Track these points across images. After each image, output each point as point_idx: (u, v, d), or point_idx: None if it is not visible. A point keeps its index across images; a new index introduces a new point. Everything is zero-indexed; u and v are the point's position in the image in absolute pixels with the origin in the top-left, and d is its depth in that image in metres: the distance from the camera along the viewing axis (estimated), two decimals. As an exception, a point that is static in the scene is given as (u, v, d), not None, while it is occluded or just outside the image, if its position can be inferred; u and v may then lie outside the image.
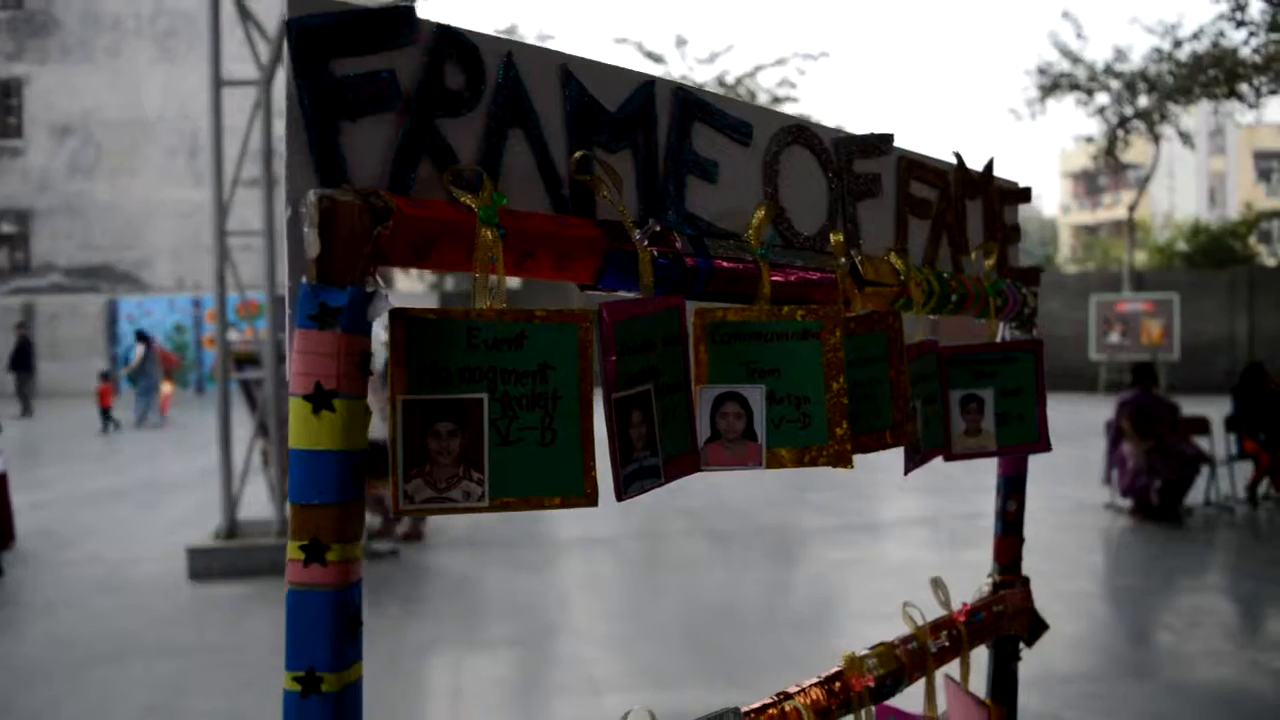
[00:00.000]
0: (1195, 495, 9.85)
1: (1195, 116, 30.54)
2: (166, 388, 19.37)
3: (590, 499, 0.66)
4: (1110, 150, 23.27)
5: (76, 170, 26.70)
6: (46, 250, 26.27)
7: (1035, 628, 1.16)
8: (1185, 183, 46.88)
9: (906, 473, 0.90)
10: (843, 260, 0.89)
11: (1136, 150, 27.28)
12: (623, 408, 0.71)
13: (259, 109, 7.98)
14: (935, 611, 1.03)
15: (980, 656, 1.11)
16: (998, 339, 1.10)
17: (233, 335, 8.57)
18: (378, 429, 6.89)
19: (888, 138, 1.01)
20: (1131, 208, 23.70)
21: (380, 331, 0.60)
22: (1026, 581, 1.15)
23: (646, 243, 0.71)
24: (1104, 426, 10.31)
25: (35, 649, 6.36)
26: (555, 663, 6.03)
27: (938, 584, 1.03)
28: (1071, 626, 6.58)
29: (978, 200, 1.13)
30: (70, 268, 26.14)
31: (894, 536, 9.19)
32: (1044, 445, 1.08)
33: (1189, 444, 9.89)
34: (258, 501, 8.70)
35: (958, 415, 1.03)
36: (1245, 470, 10.44)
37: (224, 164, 7.96)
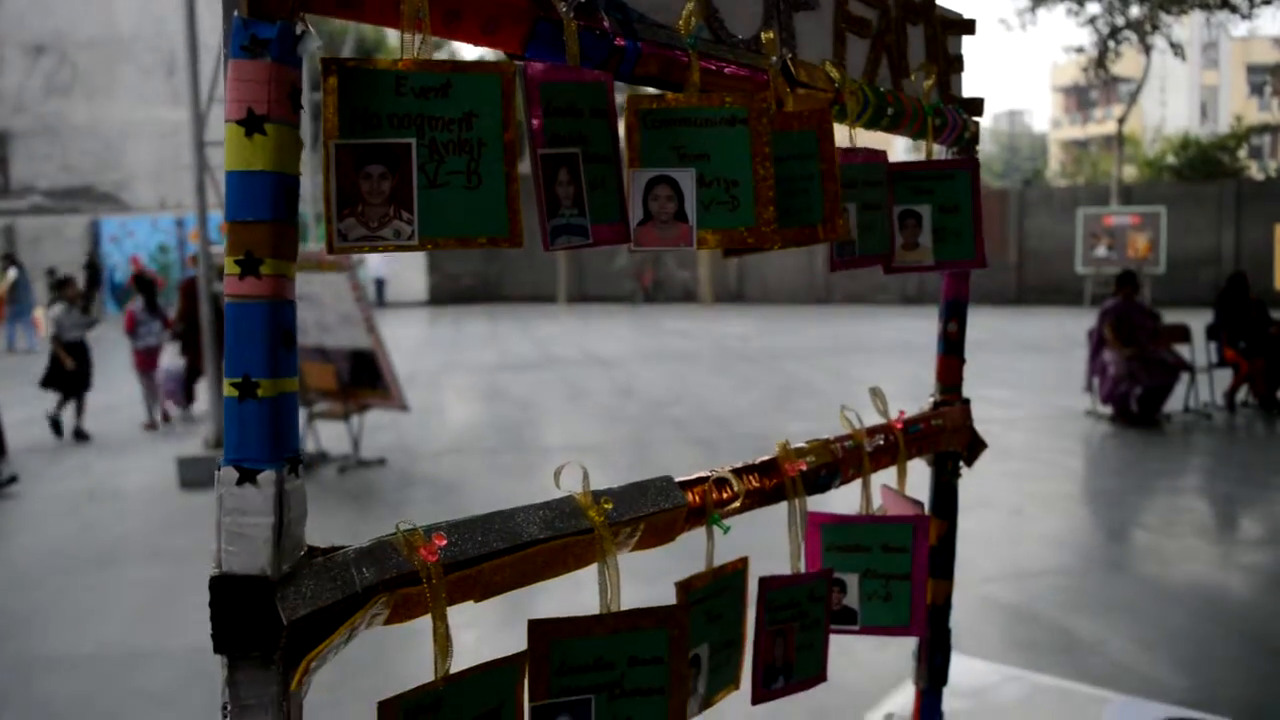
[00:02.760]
0: (1175, 402, 9.98)
1: (1188, 28, 30.13)
2: (39, 312, 18.08)
3: (514, 240, 0.69)
4: (1101, 62, 23.03)
5: (52, 91, 26.23)
6: (25, 172, 25.94)
7: (974, 446, 1.21)
8: (1176, 97, 46.48)
9: (833, 270, 0.94)
10: (774, 59, 0.91)
11: (1128, 63, 26.99)
12: (549, 164, 0.74)
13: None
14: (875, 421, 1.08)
15: (920, 476, 1.16)
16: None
17: (216, 250, 8.55)
18: (361, 340, 6.90)
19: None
20: (1121, 120, 23.54)
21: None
22: (967, 402, 1.20)
23: (572, 15, 0.74)
24: (1086, 336, 10.40)
25: (26, 556, 6.46)
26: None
27: (876, 393, 1.08)
28: (1046, 525, 6.72)
29: (919, 27, 1.16)
30: (51, 189, 25.85)
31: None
32: (979, 261, 1.12)
33: (1170, 351, 9.99)
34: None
35: (897, 230, 1.07)
36: (1225, 378, 10.56)
37: (200, 81, 7.91)
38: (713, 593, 0.86)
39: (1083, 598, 5.45)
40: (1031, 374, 12.99)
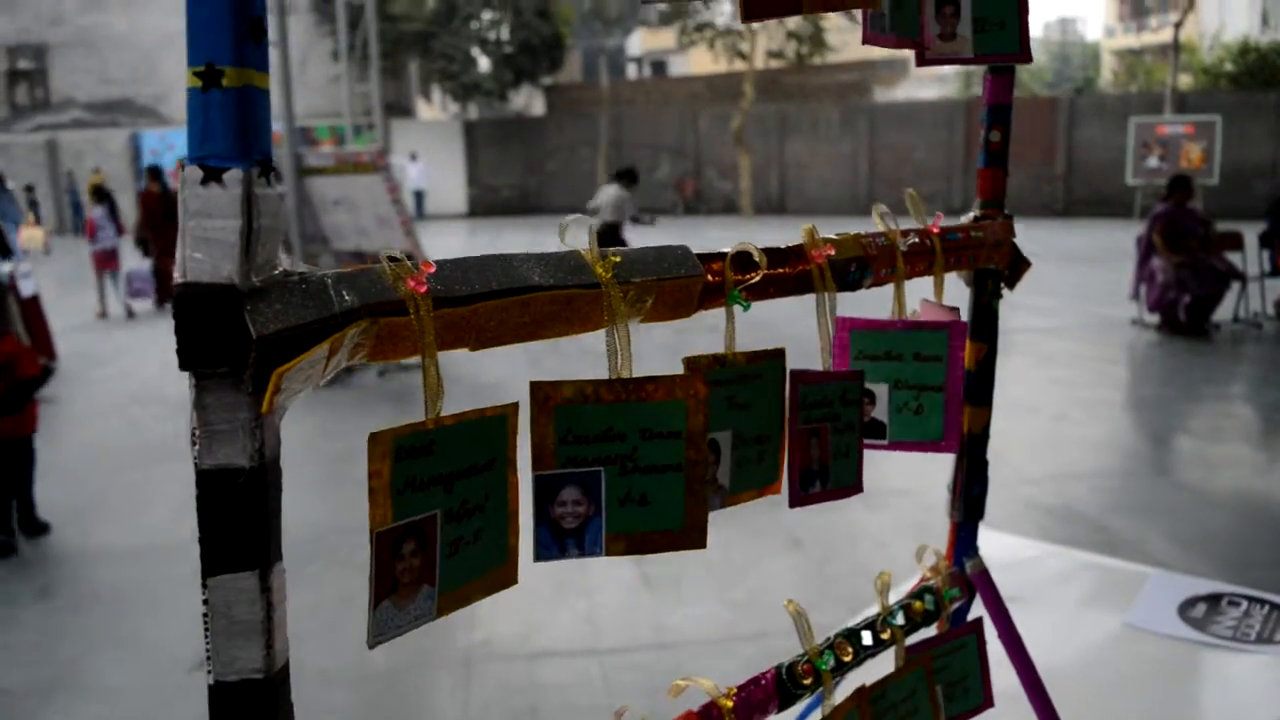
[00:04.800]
0: (1224, 311, 9.73)
1: (1252, -71, 28.84)
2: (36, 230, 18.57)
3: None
4: (1159, -35, 22.10)
5: (89, 2, 26.10)
6: (65, 85, 25.96)
7: (1016, 265, 1.14)
8: (1236, 2, 44.67)
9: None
10: None
11: (1188, -34, 25.93)
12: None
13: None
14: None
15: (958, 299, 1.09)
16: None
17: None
18: (399, 243, 6.81)
19: None
20: (1178, 24, 22.68)
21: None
22: (1010, 217, 1.13)
23: None
24: (1135, 242, 10.14)
25: (76, 454, 6.57)
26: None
27: (912, 198, 1.01)
28: (1089, 430, 6.62)
29: None
30: (90, 103, 25.88)
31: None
32: (1024, 55, 1.04)
33: (1220, 259, 9.72)
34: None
35: (932, 18, 0.99)
36: (1277, 287, 10.28)
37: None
38: (737, 378, 0.81)
39: (1123, 499, 5.38)
40: (1077, 284, 12.74)
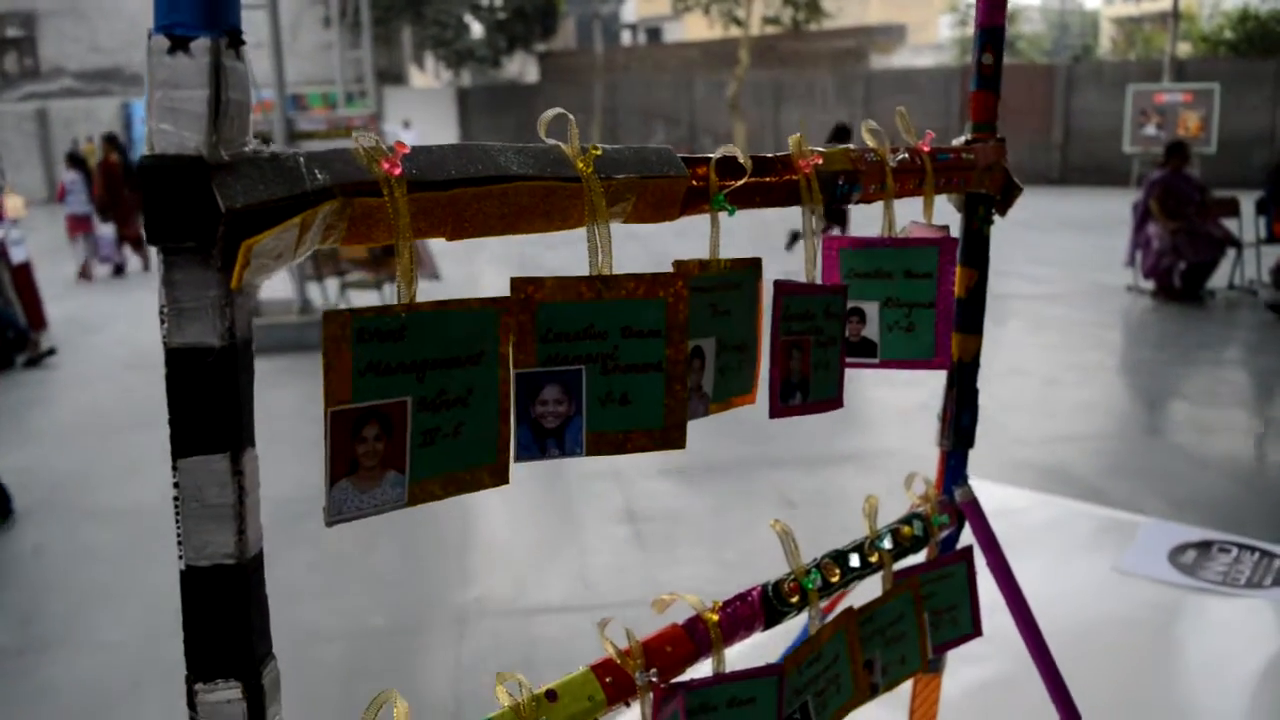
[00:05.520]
0: (1220, 278, 9.73)
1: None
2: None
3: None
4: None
5: (77, -31, 25.83)
6: (54, 54, 25.73)
7: (1008, 190, 1.13)
8: (1237, -29, 44.37)
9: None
10: None
11: (1187, -68, 25.73)
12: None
13: None
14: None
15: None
16: None
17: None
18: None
19: None
20: (1177, -7, 22.51)
21: None
22: (1002, 141, 1.11)
23: None
24: (1131, 209, 10.11)
25: (70, 417, 6.57)
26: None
27: (901, 115, 0.99)
28: (1083, 394, 6.63)
29: None
30: (80, 71, 25.65)
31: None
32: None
33: (1216, 225, 9.70)
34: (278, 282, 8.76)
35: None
36: (1273, 254, 10.27)
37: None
38: (719, 284, 0.80)
39: (1117, 461, 5.39)
40: (1072, 251, 12.73)
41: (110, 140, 12.97)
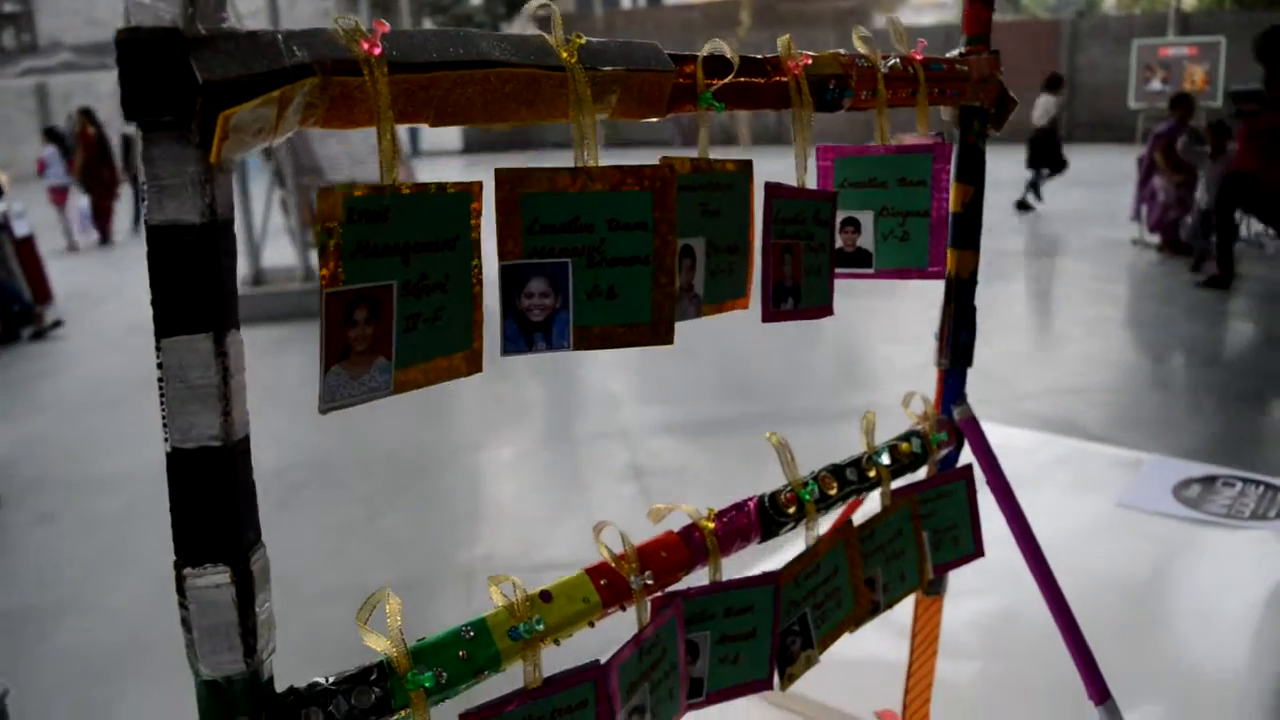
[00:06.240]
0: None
1: None
2: None
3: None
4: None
5: (73, -58, 25.67)
6: (52, 28, 25.62)
7: (1003, 102, 1.12)
8: (1243, -77, 43.79)
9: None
10: None
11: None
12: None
13: None
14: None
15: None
16: None
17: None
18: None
19: None
20: (1182, -55, 22.25)
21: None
22: (996, 53, 1.10)
23: None
24: (1136, 163, 10.05)
25: (76, 388, 6.59)
26: (577, 383, 6.18)
27: (892, 21, 0.98)
28: (1090, 346, 6.62)
29: None
30: (78, 45, 25.53)
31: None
32: None
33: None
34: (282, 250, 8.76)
35: None
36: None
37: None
38: (709, 184, 0.79)
39: (1123, 413, 5.38)
40: (1078, 207, 12.65)
41: (86, 114, 13.44)
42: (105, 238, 13.32)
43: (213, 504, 0.57)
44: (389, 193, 0.59)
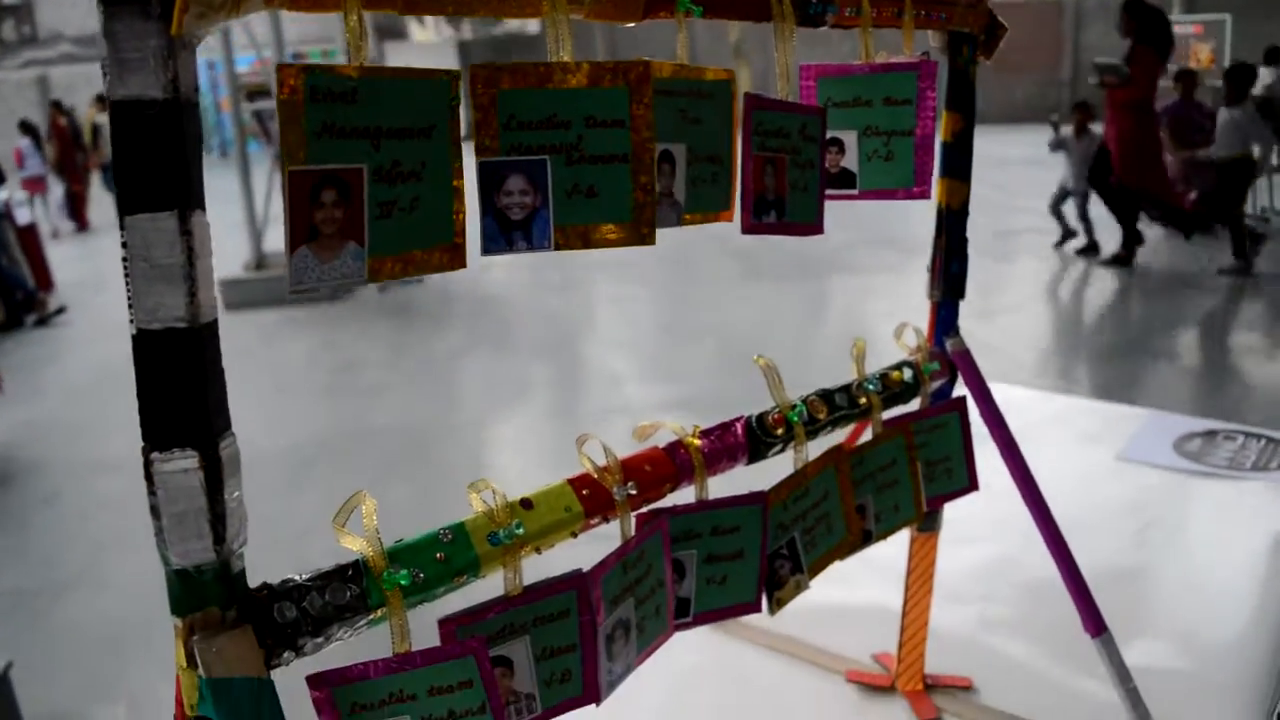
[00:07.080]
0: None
1: None
2: None
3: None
4: None
5: (73, -68, 25.59)
6: (52, 19, 25.57)
7: (992, 29, 1.10)
8: (1248, -100, 43.48)
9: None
10: None
11: None
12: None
13: None
14: None
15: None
16: None
17: (242, 68, 8.41)
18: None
19: None
20: (1186, -78, 22.09)
21: None
22: (984, -15, 1.09)
23: None
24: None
25: (80, 373, 6.60)
26: (580, 362, 6.18)
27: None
28: (1094, 318, 6.60)
29: None
30: (79, 36, 25.49)
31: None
32: None
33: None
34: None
35: None
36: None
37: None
38: (689, 90, 0.78)
39: (1128, 380, 5.37)
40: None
41: (56, 105, 14.23)
42: (82, 225, 13.55)
43: (180, 388, 0.56)
44: (356, 74, 0.58)
